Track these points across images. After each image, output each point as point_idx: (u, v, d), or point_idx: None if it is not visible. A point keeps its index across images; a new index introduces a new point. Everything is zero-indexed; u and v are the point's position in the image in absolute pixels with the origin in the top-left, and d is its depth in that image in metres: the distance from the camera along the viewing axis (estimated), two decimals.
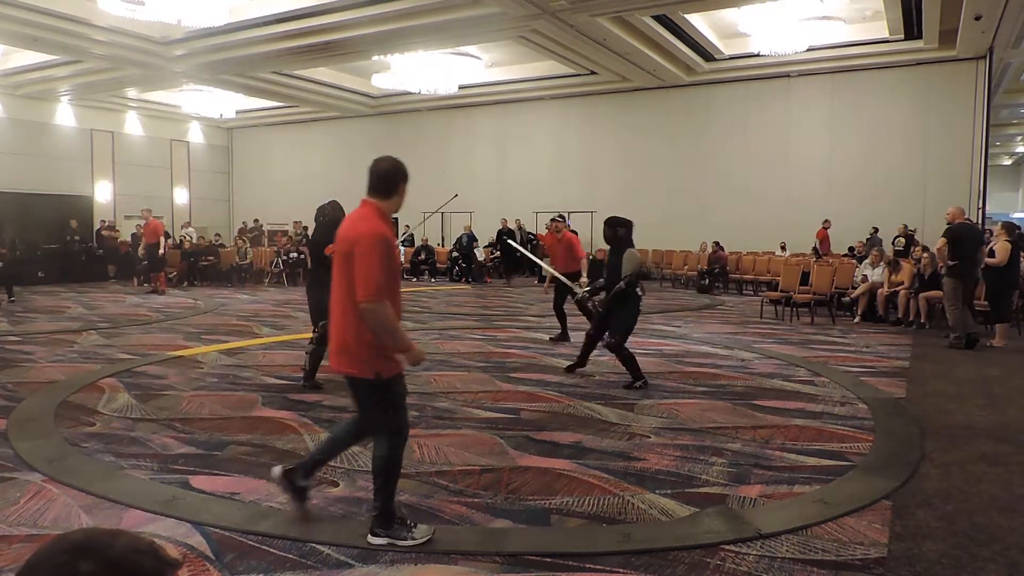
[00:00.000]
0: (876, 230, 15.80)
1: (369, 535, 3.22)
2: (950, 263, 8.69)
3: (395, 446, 3.25)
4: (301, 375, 6.40)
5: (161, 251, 15.46)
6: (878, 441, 4.79)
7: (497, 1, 11.92)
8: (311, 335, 6.37)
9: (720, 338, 9.28)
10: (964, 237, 8.75)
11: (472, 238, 19.25)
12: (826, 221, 16.23)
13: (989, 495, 3.84)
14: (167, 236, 19.46)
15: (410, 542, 3.18)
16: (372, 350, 3.10)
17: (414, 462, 4.34)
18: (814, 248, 15.92)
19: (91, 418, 5.31)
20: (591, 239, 19.86)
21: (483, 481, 4.03)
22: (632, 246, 6.72)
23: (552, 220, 9.59)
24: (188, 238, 19.40)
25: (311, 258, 6.52)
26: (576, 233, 10.91)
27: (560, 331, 9.06)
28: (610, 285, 6.68)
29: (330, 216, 6.15)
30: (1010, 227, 9.25)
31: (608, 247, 6.92)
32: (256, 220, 22.87)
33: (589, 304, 7.38)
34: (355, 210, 3.27)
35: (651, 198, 19.29)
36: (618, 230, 6.68)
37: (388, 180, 3.22)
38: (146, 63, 16.08)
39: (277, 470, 3.48)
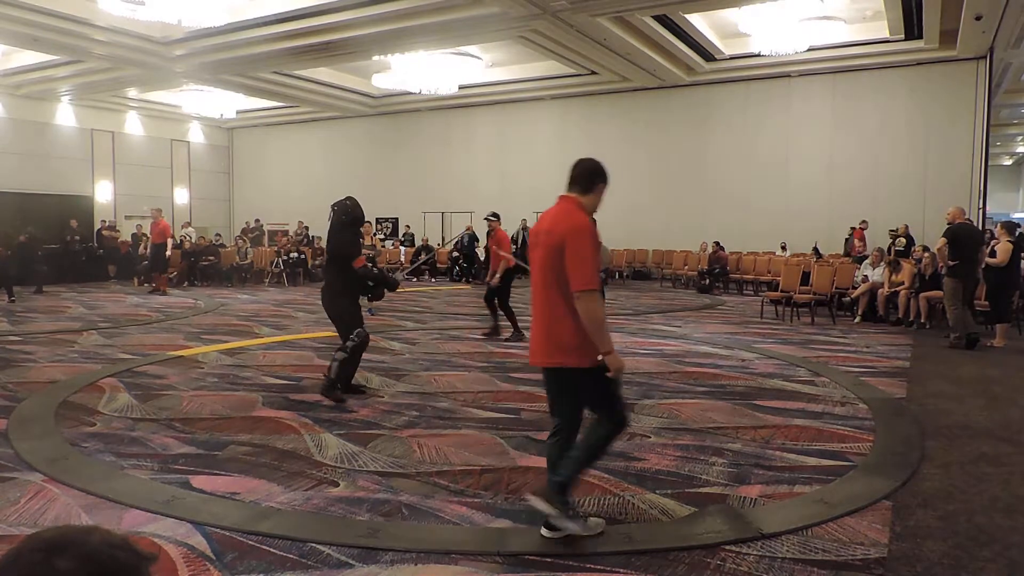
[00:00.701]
0: (865, 223, 15.89)
1: (543, 530, 3.26)
2: (950, 263, 8.68)
3: (614, 434, 3.30)
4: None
5: (168, 252, 15.42)
6: (878, 441, 4.79)
7: (497, 1, 11.92)
8: (345, 344, 5.78)
9: (720, 338, 9.28)
10: (964, 237, 8.75)
11: (474, 238, 19.26)
12: (863, 222, 15.70)
13: (989, 495, 3.84)
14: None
15: (581, 532, 3.23)
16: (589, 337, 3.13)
17: (414, 462, 4.34)
18: (847, 251, 15.56)
19: (91, 418, 5.31)
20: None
21: (483, 481, 4.03)
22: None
23: (486, 219, 9.68)
24: (188, 238, 19.41)
25: (333, 261, 5.90)
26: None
27: (514, 329, 9.08)
28: None
29: (353, 216, 5.80)
30: (1011, 227, 9.24)
31: None
32: (257, 220, 22.88)
33: None
34: (555, 206, 3.32)
35: (651, 198, 19.29)
36: None
37: (590, 177, 3.31)
38: (146, 63, 16.09)
39: (544, 532, 3.25)
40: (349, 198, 5.92)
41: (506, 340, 8.95)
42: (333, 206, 5.84)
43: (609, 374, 3.12)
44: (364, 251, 11.25)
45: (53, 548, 0.90)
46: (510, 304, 9.23)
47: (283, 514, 3.55)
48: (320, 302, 6.10)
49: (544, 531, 3.25)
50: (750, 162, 17.95)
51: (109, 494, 3.77)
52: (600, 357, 3.10)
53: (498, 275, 9.10)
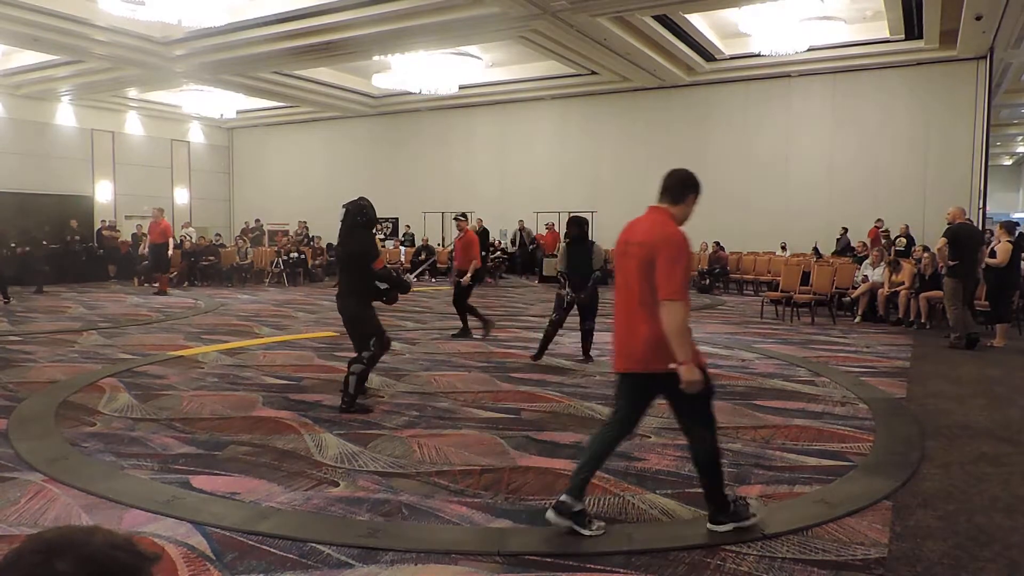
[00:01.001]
0: (846, 230, 16.01)
1: (710, 524, 3.33)
2: (950, 263, 8.68)
3: (714, 435, 3.32)
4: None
5: (169, 252, 15.29)
6: (878, 441, 4.79)
7: (497, 1, 11.92)
8: (361, 354, 5.48)
9: (720, 338, 9.28)
10: (965, 237, 8.75)
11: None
12: (878, 220, 15.73)
13: (989, 495, 3.84)
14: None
15: (750, 520, 3.30)
16: None
17: (414, 462, 4.34)
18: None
19: (91, 418, 5.31)
20: (591, 238, 19.87)
21: (483, 481, 4.03)
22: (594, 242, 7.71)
23: (455, 219, 9.61)
24: (188, 238, 19.41)
25: (350, 264, 5.56)
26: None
27: (462, 327, 9.22)
28: (575, 276, 7.37)
29: (367, 217, 5.53)
30: (1010, 226, 9.24)
31: (568, 242, 7.64)
32: (257, 220, 22.89)
33: (568, 296, 7.46)
34: (646, 215, 3.39)
35: (651, 198, 19.07)
36: (584, 227, 7.69)
37: (681, 188, 3.40)
38: (146, 63, 16.08)
39: (551, 515, 3.31)
40: (363, 198, 5.64)
41: (482, 338, 8.95)
42: (346, 206, 5.53)
43: (681, 386, 3.12)
44: None
45: (53, 550, 0.89)
46: (469, 303, 9.21)
47: (283, 514, 3.55)
48: (336, 307, 5.72)
49: (551, 514, 3.31)
50: (750, 162, 17.95)
51: (109, 494, 3.77)
52: (672, 366, 3.10)
53: (469, 275, 9.03)
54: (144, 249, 17.20)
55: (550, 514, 3.31)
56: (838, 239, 16.11)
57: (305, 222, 21.83)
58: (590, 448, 3.43)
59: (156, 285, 15.50)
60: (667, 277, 3.14)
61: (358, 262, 5.52)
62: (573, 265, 7.42)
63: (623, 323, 3.31)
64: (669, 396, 3.28)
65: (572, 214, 19.68)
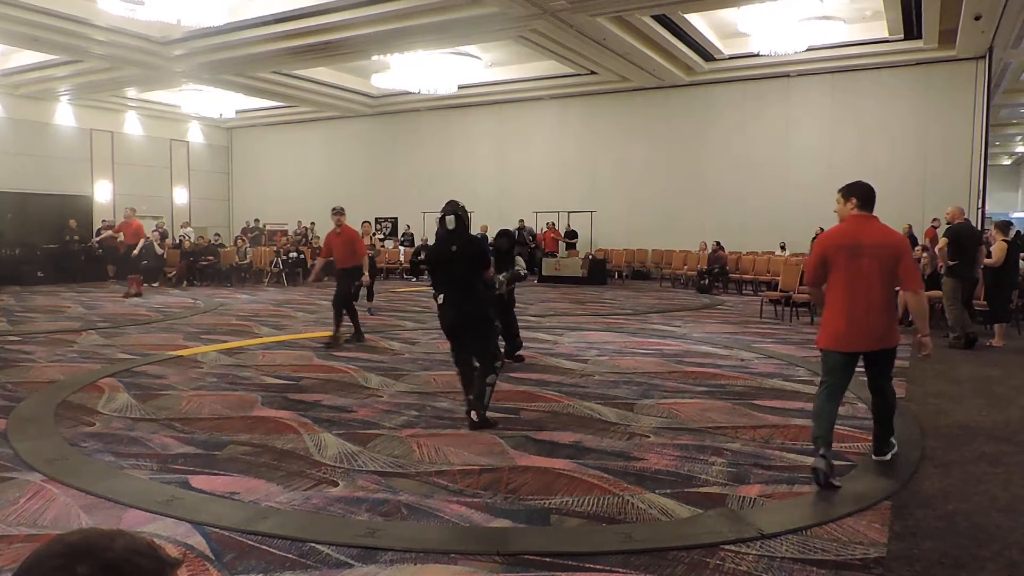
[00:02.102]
0: (822, 230, 15.87)
1: (875, 456, 4.39)
2: (950, 263, 8.69)
3: (894, 390, 4.36)
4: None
5: (135, 252, 14.44)
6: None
7: (497, 1, 11.93)
8: (493, 364, 5.17)
9: (720, 338, 9.28)
10: (964, 237, 8.76)
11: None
12: (935, 220, 14.70)
13: (989, 495, 3.84)
14: (165, 236, 19.46)
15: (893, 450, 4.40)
16: None
17: (413, 462, 4.34)
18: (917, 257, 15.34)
19: (91, 418, 5.31)
20: (591, 238, 19.90)
21: (483, 481, 4.02)
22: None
23: (334, 212, 8.80)
24: (188, 238, 19.40)
25: (472, 268, 5.26)
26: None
27: (355, 330, 8.78)
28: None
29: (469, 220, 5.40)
30: (1005, 226, 9.22)
31: (496, 253, 7.64)
32: (256, 220, 22.89)
33: (502, 290, 7.44)
34: (864, 222, 4.08)
35: (651, 198, 19.31)
36: (512, 239, 7.84)
37: (874, 198, 4.18)
38: (146, 63, 16.08)
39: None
40: (457, 201, 5.43)
41: (347, 343, 8.57)
42: (454, 210, 5.32)
43: (920, 353, 4.19)
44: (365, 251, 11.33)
45: (75, 554, 0.89)
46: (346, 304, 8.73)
47: (282, 514, 3.55)
48: (446, 319, 5.37)
49: (876, 457, 4.37)
50: (749, 162, 17.96)
51: (108, 494, 3.77)
52: (920, 337, 4.13)
53: (366, 274, 8.77)
54: (138, 250, 17.14)
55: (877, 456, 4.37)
56: (813, 239, 16.07)
57: (313, 222, 21.80)
58: (824, 412, 4.07)
59: (156, 284, 15.43)
60: (914, 272, 4.07)
61: (483, 263, 5.35)
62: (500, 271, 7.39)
63: (878, 311, 4.01)
64: (879, 363, 4.18)
65: (569, 212, 19.55)
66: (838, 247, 4.03)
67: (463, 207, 5.41)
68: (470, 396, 5.20)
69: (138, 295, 14.32)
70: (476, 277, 5.29)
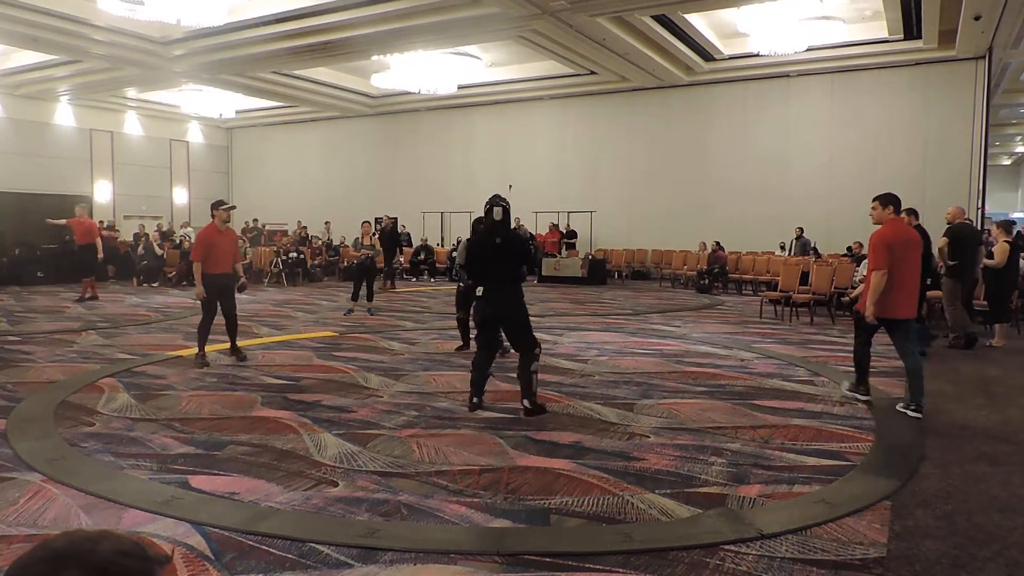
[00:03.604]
0: (802, 230, 16.15)
1: (900, 406, 5.50)
2: (950, 263, 8.68)
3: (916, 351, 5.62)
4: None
5: (100, 254, 13.58)
6: (878, 441, 4.79)
7: (497, 1, 11.93)
8: (535, 353, 5.37)
9: (720, 338, 9.28)
10: (964, 237, 8.75)
11: None
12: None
13: (989, 495, 3.84)
14: (164, 236, 19.45)
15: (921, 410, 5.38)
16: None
17: (413, 462, 4.34)
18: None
19: (90, 418, 5.31)
20: (590, 238, 19.90)
21: (483, 481, 4.02)
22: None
23: (224, 208, 7.96)
24: (187, 238, 19.38)
25: (514, 263, 5.38)
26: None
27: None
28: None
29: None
30: (1007, 226, 9.22)
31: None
32: (256, 220, 22.88)
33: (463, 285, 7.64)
34: (906, 223, 5.78)
35: (651, 198, 19.31)
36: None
37: (898, 201, 5.59)
38: (145, 63, 16.08)
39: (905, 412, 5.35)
40: (500, 194, 5.50)
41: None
42: (500, 203, 5.38)
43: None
44: (365, 250, 11.34)
45: (59, 559, 0.88)
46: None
47: (282, 514, 3.55)
48: (486, 312, 5.41)
49: (908, 412, 5.38)
50: (749, 162, 17.96)
51: (108, 494, 3.77)
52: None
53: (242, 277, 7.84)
54: (143, 250, 17.19)
55: (907, 412, 5.41)
56: (796, 239, 16.22)
57: (302, 221, 21.77)
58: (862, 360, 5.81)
59: (155, 284, 15.38)
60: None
61: (524, 258, 5.47)
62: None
63: (914, 289, 5.45)
64: (904, 329, 5.48)
65: (562, 218, 19.47)
66: (903, 243, 5.34)
67: (503, 198, 5.49)
68: (474, 398, 5.52)
69: (94, 299, 13.41)
70: (516, 271, 5.41)
